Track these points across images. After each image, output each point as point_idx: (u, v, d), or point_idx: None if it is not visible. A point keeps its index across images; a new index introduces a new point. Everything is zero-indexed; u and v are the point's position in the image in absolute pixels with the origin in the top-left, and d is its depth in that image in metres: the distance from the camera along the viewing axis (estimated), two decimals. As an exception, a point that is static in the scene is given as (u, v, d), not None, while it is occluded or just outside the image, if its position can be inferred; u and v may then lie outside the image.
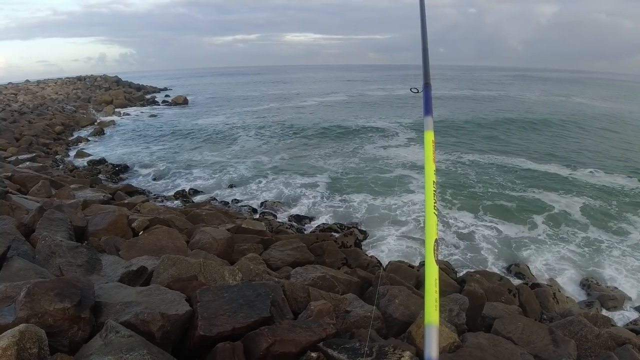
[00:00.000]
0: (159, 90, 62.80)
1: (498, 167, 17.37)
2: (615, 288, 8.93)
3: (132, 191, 14.28)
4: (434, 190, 1.85)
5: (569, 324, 5.53)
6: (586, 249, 10.77)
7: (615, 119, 33.22)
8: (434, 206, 1.81)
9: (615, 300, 8.31)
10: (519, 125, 28.27)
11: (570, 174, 16.78)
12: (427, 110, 2.20)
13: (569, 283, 9.18)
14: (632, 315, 7.92)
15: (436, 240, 1.72)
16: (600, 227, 12.04)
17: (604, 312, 7.86)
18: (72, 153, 20.95)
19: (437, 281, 1.63)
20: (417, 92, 2.39)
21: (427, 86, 2.35)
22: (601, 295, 8.49)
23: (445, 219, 12.26)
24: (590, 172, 17.13)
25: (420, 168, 17.36)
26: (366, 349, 3.01)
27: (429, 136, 2.02)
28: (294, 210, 13.35)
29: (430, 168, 1.90)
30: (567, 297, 8.17)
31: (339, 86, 68.26)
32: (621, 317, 7.88)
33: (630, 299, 8.57)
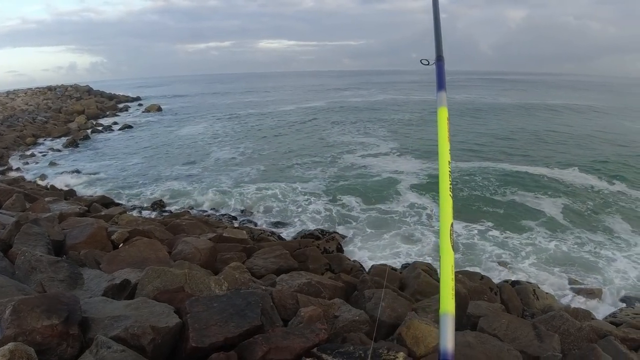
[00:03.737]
0: (132, 99, 61.77)
1: (478, 170, 17.61)
2: (593, 282, 9.20)
3: (108, 203, 14.01)
4: (449, 171, 1.72)
5: (551, 319, 5.66)
6: (563, 246, 11.04)
7: (584, 119, 34.22)
8: (449, 188, 1.69)
9: (593, 294, 8.55)
10: (492, 128, 28.73)
11: (548, 175, 17.09)
12: (441, 85, 2.03)
13: (548, 279, 9.38)
14: (610, 308, 8.14)
15: (452, 225, 1.62)
16: (579, 225, 12.34)
17: (584, 306, 8.06)
18: (45, 165, 20.46)
19: (453, 268, 1.54)
20: (428, 64, 2.16)
21: (439, 59, 2.15)
22: (580, 290, 8.72)
23: (426, 221, 12.42)
24: (567, 172, 17.51)
25: (402, 173, 17.57)
26: (360, 352, 3.03)
27: (443, 113, 1.88)
28: (274, 218, 13.30)
29: (445, 147, 1.77)
30: (547, 293, 8.34)
31: (315, 93, 68.34)
32: (600, 310, 8.09)
33: (608, 292, 8.82)
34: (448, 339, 1.41)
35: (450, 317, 1.45)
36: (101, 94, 59.87)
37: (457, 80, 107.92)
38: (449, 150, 1.78)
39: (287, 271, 7.23)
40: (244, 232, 10.44)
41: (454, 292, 1.50)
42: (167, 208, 14.26)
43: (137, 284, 4.76)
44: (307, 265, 8.24)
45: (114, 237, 7.62)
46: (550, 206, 13.68)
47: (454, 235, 1.62)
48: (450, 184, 1.69)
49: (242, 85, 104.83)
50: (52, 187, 15.70)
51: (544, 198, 14.44)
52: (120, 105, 51.23)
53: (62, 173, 18.68)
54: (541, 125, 30.41)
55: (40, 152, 23.65)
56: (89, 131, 30.87)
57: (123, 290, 4.80)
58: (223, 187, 16.44)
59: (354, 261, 9.73)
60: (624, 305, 8.27)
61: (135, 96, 65.42)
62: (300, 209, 13.80)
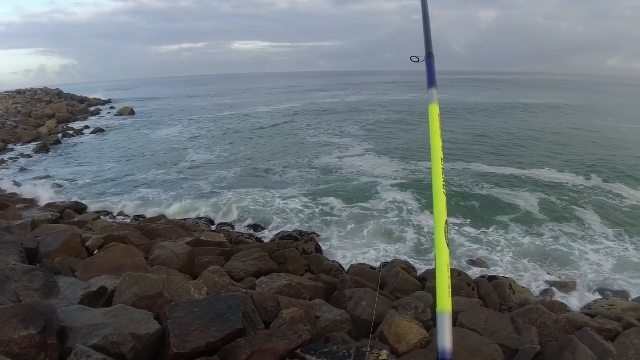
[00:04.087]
0: (104, 102, 60.50)
1: (453, 170, 17.81)
2: (567, 275, 9.44)
3: (81, 209, 13.72)
4: (442, 168, 1.71)
5: (529, 312, 5.79)
6: (537, 240, 11.30)
7: (556, 117, 35.06)
8: (443, 185, 1.68)
9: (567, 287, 8.77)
10: (465, 128, 29.00)
11: (522, 172, 17.43)
12: (431, 82, 2.03)
13: (524, 274, 9.59)
14: (585, 300, 8.35)
15: (446, 222, 1.60)
16: (553, 219, 12.64)
17: (559, 299, 8.26)
18: (15, 171, 19.89)
19: (449, 265, 1.53)
20: (418, 61, 2.16)
21: (429, 56, 2.15)
22: (554, 283, 8.94)
23: (405, 220, 12.53)
24: (541, 170, 17.87)
25: (380, 172, 17.66)
26: (344, 351, 3.04)
27: (434, 110, 1.89)
28: (252, 221, 13.19)
29: (438, 144, 1.77)
30: (523, 287, 8.52)
31: (290, 95, 68.19)
32: (575, 302, 8.31)
33: (581, 284, 9.07)
34: (446, 338, 1.38)
35: (448, 316, 1.43)
36: (72, 97, 58.48)
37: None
38: (442, 147, 1.78)
39: (267, 273, 7.21)
40: (222, 235, 10.37)
41: (450, 290, 1.48)
42: (142, 213, 14.01)
43: (114, 291, 4.68)
44: (286, 267, 8.23)
45: (88, 243, 7.48)
46: (525, 202, 13.98)
47: (448, 232, 1.61)
48: (444, 181, 1.69)
49: (216, 87, 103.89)
50: (24, 193, 15.28)
51: (520, 194, 14.74)
52: (92, 109, 50.13)
53: (33, 179, 18.17)
54: (514, 124, 31.07)
55: (10, 158, 22.97)
56: (60, 136, 30.12)
57: (100, 298, 4.71)
58: (199, 191, 16.26)
59: (333, 261, 9.77)
60: (598, 297, 8.52)
61: (107, 99, 64.09)
62: (278, 211, 13.74)
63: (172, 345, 3.08)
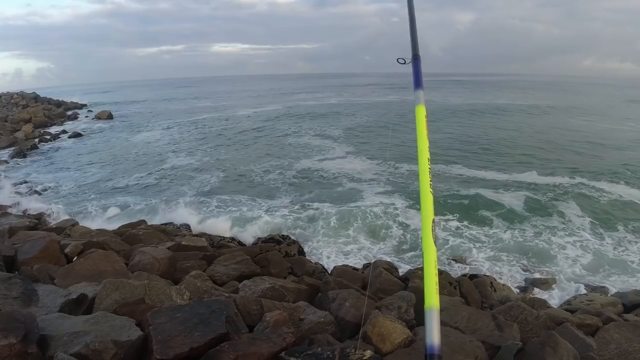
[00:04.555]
0: (81, 106, 59.46)
1: (434, 173, 17.89)
2: (547, 271, 9.63)
3: (59, 214, 13.47)
4: (429, 168, 1.75)
5: (510, 309, 5.87)
6: (518, 237, 11.50)
7: (533, 117, 35.69)
8: (430, 184, 1.71)
9: (547, 283, 8.94)
10: (445, 130, 29.16)
11: (505, 175, 17.53)
12: (417, 83, 2.04)
13: (504, 271, 9.74)
14: (565, 296, 8.53)
15: (434, 221, 1.65)
16: (535, 216, 12.89)
17: (539, 296, 8.41)
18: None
19: (436, 263, 1.56)
20: (405, 63, 2.15)
21: (416, 58, 2.14)
22: (534, 280, 9.11)
23: (391, 220, 12.60)
24: (520, 168, 18.17)
25: (361, 174, 17.73)
26: (328, 353, 3.05)
27: (421, 111, 1.90)
28: (233, 224, 13.09)
29: (424, 145, 1.80)
30: (504, 284, 8.66)
31: (271, 97, 68.04)
32: (555, 298, 8.48)
33: (561, 280, 9.25)
34: (434, 334, 1.42)
35: (436, 312, 1.48)
36: (48, 100, 57.38)
37: (410, 82, 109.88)
38: (428, 147, 1.81)
39: (250, 277, 7.16)
40: (204, 239, 10.28)
41: (437, 287, 1.52)
42: (122, 219, 13.81)
43: (94, 298, 4.61)
44: (269, 270, 8.20)
45: (67, 250, 7.34)
46: (507, 200, 14.18)
47: (435, 230, 1.63)
48: (431, 181, 1.73)
49: (196, 90, 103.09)
50: (0, 200, 14.95)
51: (501, 192, 14.96)
52: (69, 113, 49.24)
53: (10, 185, 17.75)
54: (494, 124, 31.52)
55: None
56: (36, 140, 29.55)
57: (80, 305, 4.63)
58: (180, 197, 16.07)
59: (316, 263, 9.79)
60: (577, 292, 8.70)
61: (84, 103, 63.07)
62: (259, 214, 13.70)
63: (154, 351, 3.05)
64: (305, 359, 3.06)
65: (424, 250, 1.58)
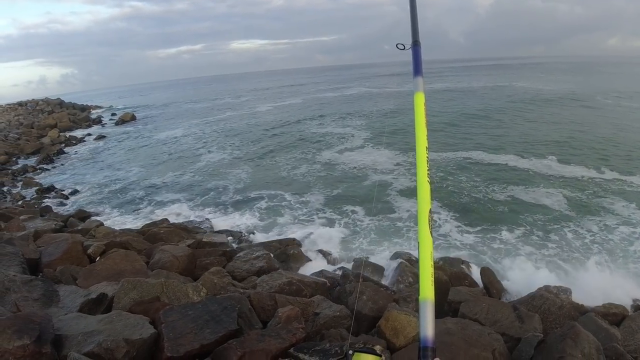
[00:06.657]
0: (105, 109, 60.72)
1: (456, 163, 17.56)
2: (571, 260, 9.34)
3: (85, 216, 13.74)
4: (426, 157, 1.72)
5: (532, 299, 5.74)
6: (536, 234, 11.21)
7: (558, 101, 34.63)
8: (427, 174, 1.68)
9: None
10: (470, 117, 28.52)
11: (531, 166, 16.57)
12: (417, 70, 2.02)
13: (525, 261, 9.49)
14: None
15: (430, 211, 1.61)
16: (575, 213, 12.02)
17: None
18: (20, 183, 19.98)
19: (432, 254, 1.53)
20: (404, 49, 2.12)
21: (416, 44, 2.13)
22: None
23: (406, 214, 12.48)
24: (550, 161, 17.09)
25: (384, 172, 17.52)
26: (337, 348, 3.03)
27: (420, 98, 1.88)
28: (255, 221, 13.15)
29: (422, 133, 1.78)
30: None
31: (291, 91, 68.01)
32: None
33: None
34: (428, 326, 1.39)
35: (430, 304, 1.44)
36: (73, 105, 58.73)
37: (430, 69, 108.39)
38: (427, 136, 1.77)
39: (269, 272, 7.20)
40: (224, 235, 10.38)
41: (433, 278, 1.48)
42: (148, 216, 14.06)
43: (113, 297, 4.70)
44: (289, 265, 8.24)
45: (89, 251, 7.51)
46: (535, 196, 13.60)
47: (432, 221, 1.58)
48: (428, 170, 1.68)
49: (217, 88, 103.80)
50: (27, 204, 15.37)
51: (526, 188, 14.54)
52: (93, 116, 50.28)
53: (37, 190, 18.24)
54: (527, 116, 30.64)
55: (15, 170, 23.09)
56: (62, 145, 30.27)
57: (100, 305, 4.73)
58: (204, 195, 16.26)
59: (334, 258, 9.74)
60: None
61: (108, 106, 64.39)
62: (286, 211, 13.69)
63: (165, 348, 3.08)
64: (314, 355, 3.05)
65: (420, 241, 1.54)
